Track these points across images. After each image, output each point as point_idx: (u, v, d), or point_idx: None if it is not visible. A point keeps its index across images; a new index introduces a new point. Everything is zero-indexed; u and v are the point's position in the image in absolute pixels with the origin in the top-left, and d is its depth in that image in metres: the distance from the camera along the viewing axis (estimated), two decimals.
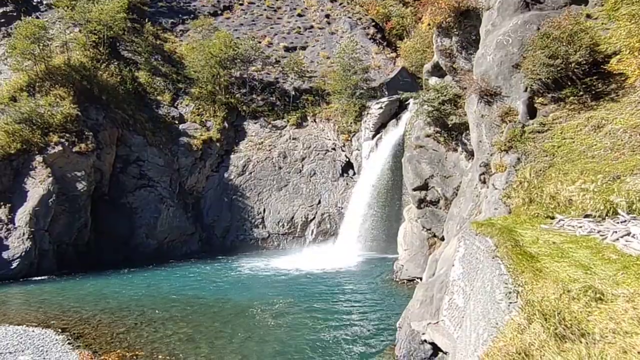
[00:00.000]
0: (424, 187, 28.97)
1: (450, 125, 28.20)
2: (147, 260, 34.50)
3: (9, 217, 29.85)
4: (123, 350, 16.75)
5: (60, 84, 35.98)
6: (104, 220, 35.68)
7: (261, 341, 18.13)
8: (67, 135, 33.83)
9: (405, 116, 37.85)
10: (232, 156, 44.05)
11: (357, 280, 29.31)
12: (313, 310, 22.47)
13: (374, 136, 40.97)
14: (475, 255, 12.66)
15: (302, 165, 44.13)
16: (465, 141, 27.24)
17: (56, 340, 17.80)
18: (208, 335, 18.79)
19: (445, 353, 14.79)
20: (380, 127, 41.09)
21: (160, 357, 16.31)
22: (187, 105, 44.40)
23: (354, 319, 21.19)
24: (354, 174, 43.25)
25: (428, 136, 29.69)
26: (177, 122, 43.16)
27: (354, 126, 43.00)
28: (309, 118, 46.15)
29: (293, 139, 45.24)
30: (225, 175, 43.21)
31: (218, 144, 43.36)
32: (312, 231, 41.72)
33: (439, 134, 29.30)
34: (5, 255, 28.66)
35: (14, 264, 28.54)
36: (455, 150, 28.44)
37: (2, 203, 30.09)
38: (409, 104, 38.13)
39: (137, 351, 16.73)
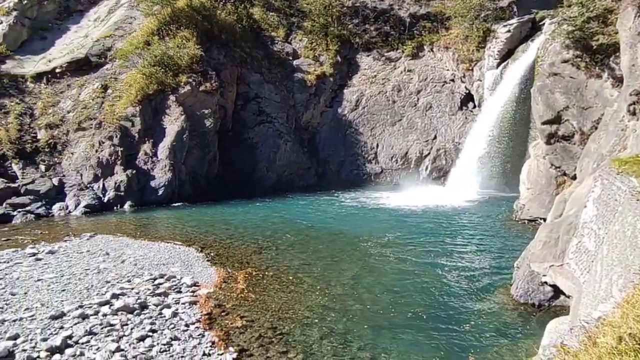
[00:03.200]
0: (556, 120, 25.81)
1: (594, 48, 24.15)
2: (267, 192, 37.28)
3: (153, 151, 34.25)
4: (252, 269, 18.76)
5: (185, 25, 38.61)
6: (229, 154, 39.00)
7: (371, 271, 18.81)
8: (194, 75, 36.72)
9: (538, 40, 33.27)
10: (345, 91, 43.85)
11: (472, 218, 28.22)
12: (425, 244, 22.43)
13: (498, 64, 37.03)
14: (613, 196, 11.17)
15: (418, 99, 42.26)
16: (614, 66, 23.23)
17: (197, 257, 20.52)
18: (323, 262, 20.05)
19: (568, 297, 13.83)
20: (506, 54, 36.84)
21: (283, 276, 17.97)
22: (300, 41, 44.60)
23: (468, 256, 20.68)
24: (474, 107, 40.19)
25: (565, 61, 25.90)
26: (290, 57, 43.85)
27: (476, 54, 39.15)
28: (425, 47, 43.21)
29: (408, 71, 43.15)
30: (339, 110, 43.45)
31: (331, 79, 43.34)
32: (427, 167, 40.62)
33: (579, 59, 25.37)
34: (153, 184, 33.36)
35: (160, 191, 33.16)
36: (599, 77, 24.48)
37: (146, 139, 34.50)
38: (543, 24, 33.32)
39: (264, 271, 18.60)
